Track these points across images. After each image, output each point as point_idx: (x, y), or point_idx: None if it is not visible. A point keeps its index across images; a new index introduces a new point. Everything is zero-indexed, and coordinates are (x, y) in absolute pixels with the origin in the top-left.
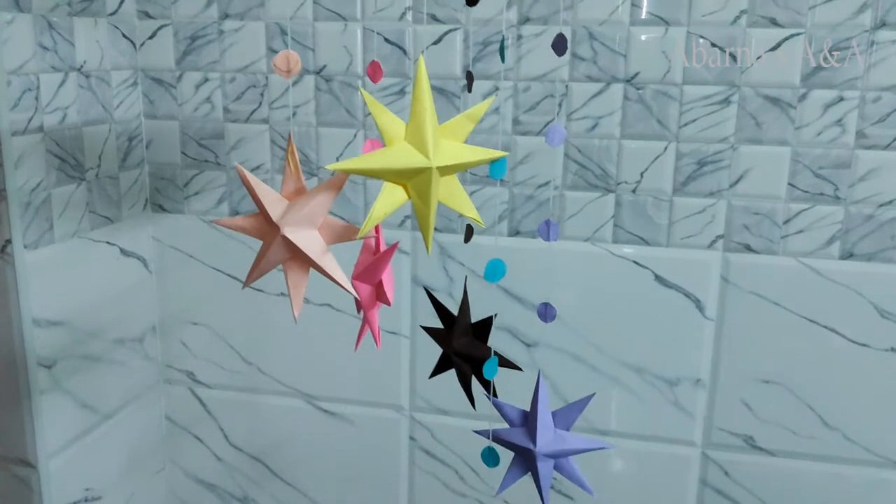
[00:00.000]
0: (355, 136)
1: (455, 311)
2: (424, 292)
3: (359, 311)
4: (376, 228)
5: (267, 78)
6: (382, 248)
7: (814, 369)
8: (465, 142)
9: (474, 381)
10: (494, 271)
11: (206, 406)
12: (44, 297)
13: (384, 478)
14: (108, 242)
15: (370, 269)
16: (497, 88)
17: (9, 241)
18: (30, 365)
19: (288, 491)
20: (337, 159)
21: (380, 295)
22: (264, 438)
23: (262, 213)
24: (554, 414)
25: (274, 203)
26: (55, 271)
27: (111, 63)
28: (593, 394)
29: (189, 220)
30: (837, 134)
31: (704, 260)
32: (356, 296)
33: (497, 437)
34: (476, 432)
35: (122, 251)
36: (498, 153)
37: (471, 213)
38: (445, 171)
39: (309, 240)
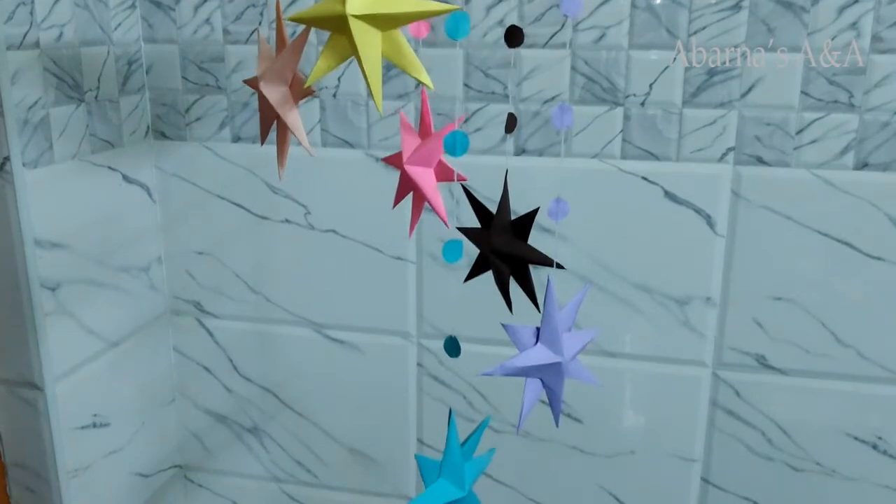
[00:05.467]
0: None
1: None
2: (463, 191)
3: (395, 205)
4: (424, 106)
5: None
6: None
7: (827, 285)
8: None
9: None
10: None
11: (213, 336)
12: (45, 218)
13: (393, 405)
14: (109, 167)
15: (426, 152)
16: None
17: (7, 159)
18: (32, 285)
19: (297, 420)
20: (338, 79)
21: (449, 173)
22: (273, 368)
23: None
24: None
25: (264, 62)
26: (56, 192)
27: None
28: (588, 286)
29: (192, 147)
30: (852, 38)
31: (715, 174)
32: (312, 152)
33: (516, 369)
34: (485, 374)
35: (125, 178)
36: (443, 6)
37: (416, 73)
38: (377, 23)
39: (276, 93)
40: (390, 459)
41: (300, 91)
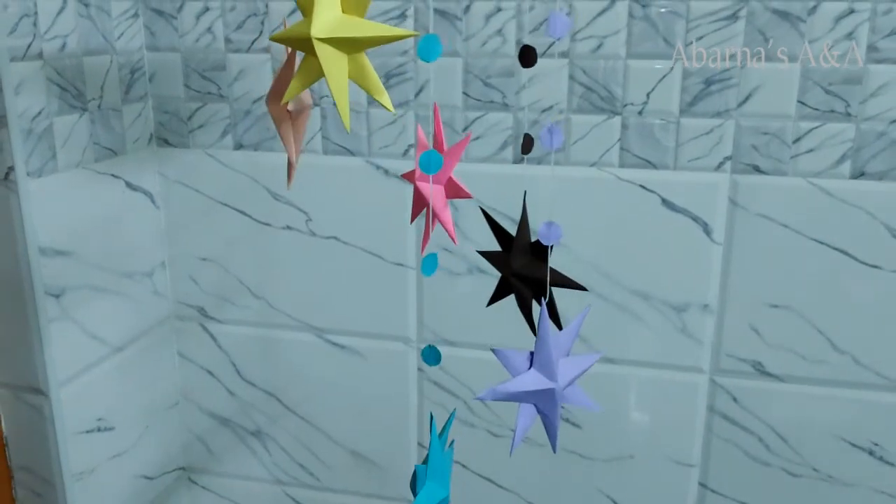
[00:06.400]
0: None
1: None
2: (482, 213)
3: (412, 220)
4: (437, 122)
5: (267, 6)
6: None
7: (823, 292)
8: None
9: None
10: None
11: (217, 341)
12: (49, 226)
13: (394, 409)
14: (113, 175)
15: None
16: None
17: (11, 169)
18: (37, 293)
19: (300, 423)
20: None
21: (458, 190)
22: (276, 372)
23: None
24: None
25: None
26: (60, 200)
27: None
28: (587, 310)
29: (195, 154)
30: (849, 48)
31: (712, 182)
32: (296, 165)
33: (508, 395)
34: (478, 398)
35: (128, 185)
36: (405, 31)
37: (378, 96)
38: (341, 46)
39: (276, 108)
40: (392, 463)
41: (296, 108)
